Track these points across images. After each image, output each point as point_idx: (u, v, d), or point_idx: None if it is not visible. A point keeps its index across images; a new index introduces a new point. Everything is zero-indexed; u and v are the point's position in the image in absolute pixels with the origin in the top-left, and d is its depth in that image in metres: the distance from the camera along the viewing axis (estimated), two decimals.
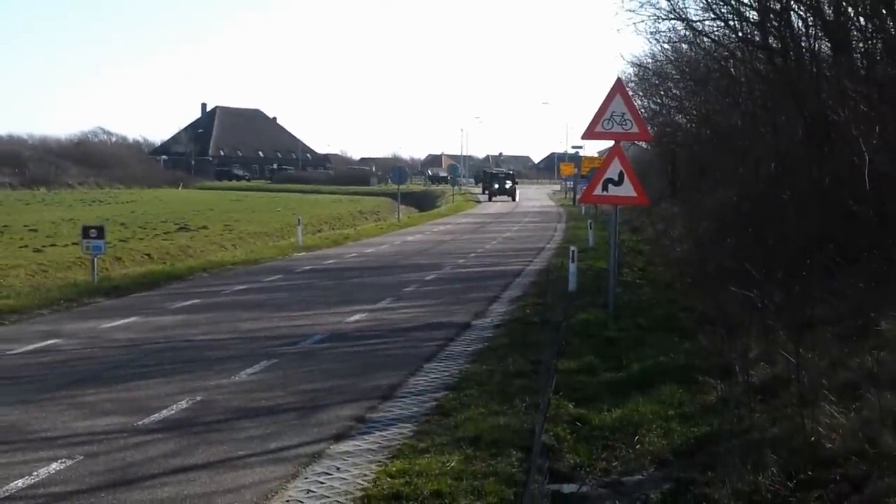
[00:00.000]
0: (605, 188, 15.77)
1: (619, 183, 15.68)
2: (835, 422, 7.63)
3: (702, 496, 6.98)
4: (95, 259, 22.04)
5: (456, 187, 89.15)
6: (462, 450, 8.39)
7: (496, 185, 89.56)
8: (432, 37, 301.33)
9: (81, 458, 8.32)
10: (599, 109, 15.65)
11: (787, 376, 9.20)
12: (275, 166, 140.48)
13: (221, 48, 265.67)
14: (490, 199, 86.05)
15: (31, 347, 13.89)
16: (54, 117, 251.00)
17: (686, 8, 28.33)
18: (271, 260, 28.72)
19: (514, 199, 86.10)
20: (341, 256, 30.16)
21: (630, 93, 19.62)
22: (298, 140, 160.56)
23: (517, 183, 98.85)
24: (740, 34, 23.91)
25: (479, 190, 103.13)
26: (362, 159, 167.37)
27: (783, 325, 10.27)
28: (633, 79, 42.79)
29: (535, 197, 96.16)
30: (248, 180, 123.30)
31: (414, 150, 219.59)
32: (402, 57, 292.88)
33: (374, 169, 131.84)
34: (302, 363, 12.81)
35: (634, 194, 15.95)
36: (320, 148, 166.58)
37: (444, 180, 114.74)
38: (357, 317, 16.83)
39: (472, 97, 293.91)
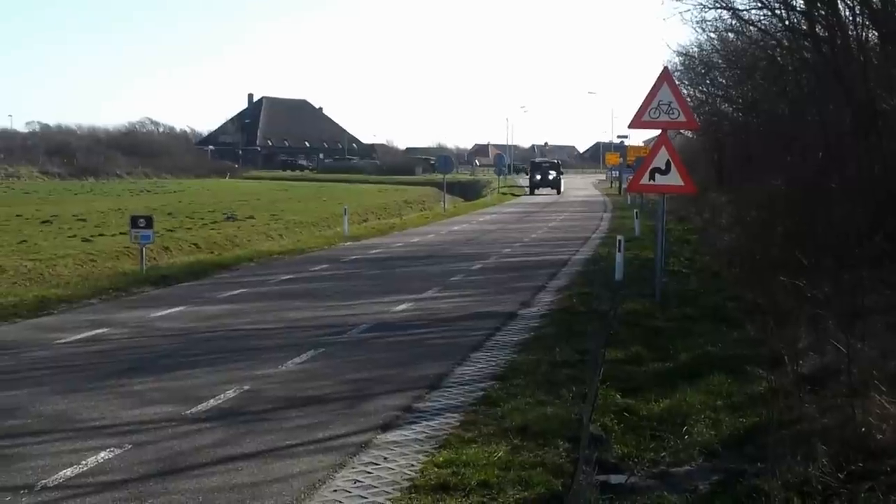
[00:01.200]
0: (652, 177, 15.65)
1: (666, 172, 15.56)
2: (885, 412, 7.52)
3: (751, 487, 6.89)
4: (144, 248, 22.21)
5: (502, 177, 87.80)
6: (509, 440, 8.35)
7: (538, 176, 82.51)
8: (479, 26, 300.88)
9: (130, 446, 8.37)
10: (646, 99, 15.52)
11: (836, 366, 9.10)
12: (321, 156, 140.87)
13: (268, 40, 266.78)
14: (531, 193, 79.33)
15: (79, 336, 14.00)
16: (103, 108, 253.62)
17: None
18: (318, 249, 28.80)
19: (558, 192, 79.19)
20: (387, 246, 30.18)
21: (676, 82, 19.41)
22: (344, 130, 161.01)
23: (562, 173, 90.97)
24: (787, 23, 23.69)
25: (524, 182, 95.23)
26: (408, 149, 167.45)
27: (833, 314, 10.15)
28: (678, 68, 42.58)
29: (580, 186, 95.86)
30: (312, 170, 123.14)
31: (460, 139, 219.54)
32: (449, 46, 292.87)
33: (423, 158, 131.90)
34: (349, 353, 12.82)
35: (682, 183, 15.81)
36: (366, 138, 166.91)
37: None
38: (403, 306, 16.83)
39: (518, 87, 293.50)
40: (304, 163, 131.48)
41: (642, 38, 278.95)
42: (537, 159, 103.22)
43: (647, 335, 12.98)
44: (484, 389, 10.46)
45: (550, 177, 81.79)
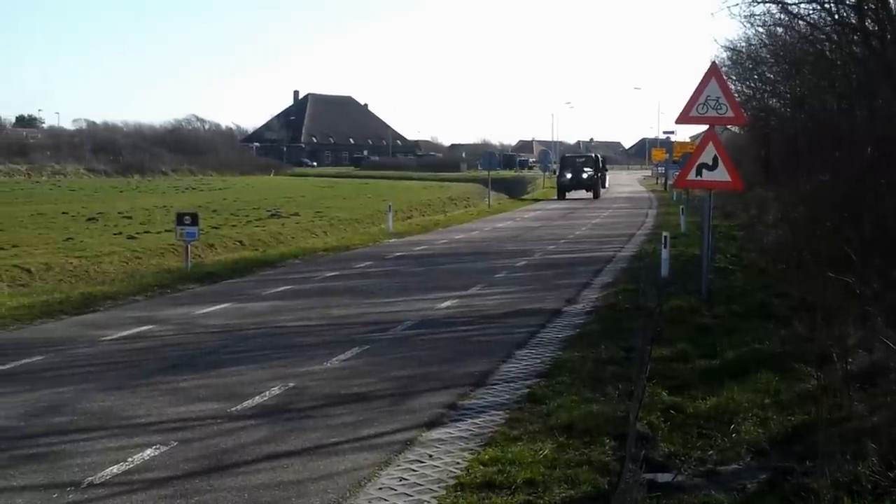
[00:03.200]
0: (699, 173, 15.52)
1: (713, 168, 15.42)
2: None
3: (800, 486, 6.81)
4: (189, 246, 22.36)
5: (547, 173, 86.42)
6: (555, 438, 8.32)
7: (568, 175, 64.62)
8: (524, 21, 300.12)
9: (176, 444, 8.42)
10: (694, 94, 15.39)
11: (886, 363, 9.00)
12: (365, 153, 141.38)
13: (315, 39, 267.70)
14: (560, 197, 63.36)
15: (125, 333, 14.12)
16: (150, 105, 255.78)
17: None
18: (362, 246, 28.90)
19: (595, 195, 63.58)
20: (431, 243, 30.21)
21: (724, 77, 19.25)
22: (389, 127, 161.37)
23: (606, 169, 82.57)
24: (836, 17, 23.46)
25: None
26: (452, 145, 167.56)
27: (882, 310, 10.04)
28: (726, 63, 42.25)
29: (625, 182, 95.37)
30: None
31: (504, 136, 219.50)
32: (493, 42, 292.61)
33: (463, 155, 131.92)
34: (393, 350, 12.83)
35: (729, 179, 15.66)
36: (410, 134, 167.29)
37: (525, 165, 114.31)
38: (448, 303, 16.82)
39: (563, 82, 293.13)
40: (376, 158, 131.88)
41: (689, 33, 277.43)
42: (569, 154, 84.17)
43: (694, 332, 12.88)
44: (529, 387, 10.43)
45: (584, 175, 64.21)
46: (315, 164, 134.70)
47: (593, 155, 71.88)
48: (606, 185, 78.17)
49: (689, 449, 7.95)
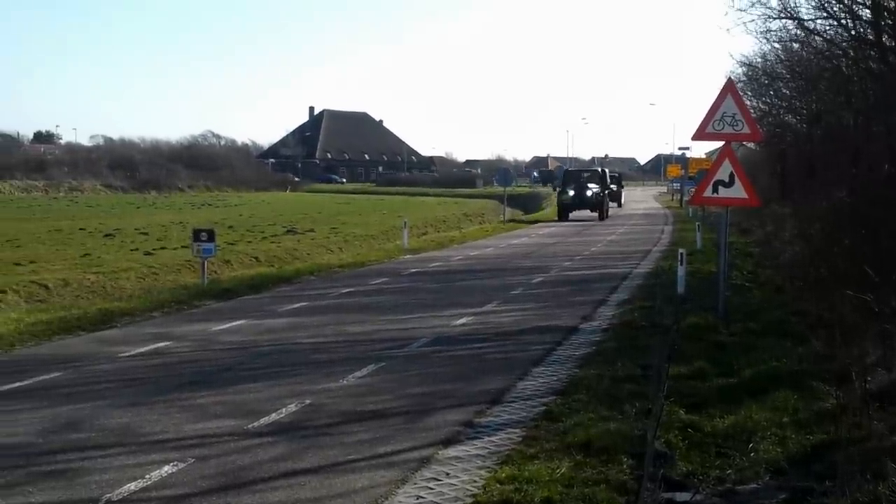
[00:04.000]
0: (715, 190, 15.49)
1: (729, 184, 15.39)
2: None
3: None
4: (205, 262, 22.41)
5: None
6: (572, 456, 8.29)
7: (570, 192, 57.01)
8: (537, 38, 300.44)
9: (193, 460, 8.42)
10: (710, 110, 15.38)
11: None
12: (380, 169, 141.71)
13: (330, 56, 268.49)
14: (561, 218, 56.29)
15: (143, 350, 14.15)
16: (166, 121, 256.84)
17: (797, 7, 27.90)
18: (377, 263, 28.90)
19: (600, 216, 56.70)
20: (447, 259, 30.21)
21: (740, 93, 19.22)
22: (404, 143, 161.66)
23: (623, 186, 78.52)
24: (853, 32, 23.43)
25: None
26: (467, 161, 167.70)
27: None
28: (742, 78, 42.21)
29: (641, 199, 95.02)
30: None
31: (519, 151, 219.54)
32: (508, 58, 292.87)
33: (478, 171, 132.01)
34: (409, 367, 12.83)
35: (745, 196, 15.63)
36: (425, 150, 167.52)
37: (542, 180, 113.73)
38: (464, 320, 16.81)
39: (578, 98, 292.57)
40: (436, 174, 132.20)
41: (704, 49, 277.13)
42: (572, 167, 78.64)
43: (711, 350, 12.85)
44: (546, 404, 10.40)
45: (589, 193, 56.60)
46: (344, 180, 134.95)
47: (599, 169, 63.89)
48: (622, 202, 75.84)
49: (708, 468, 7.92)
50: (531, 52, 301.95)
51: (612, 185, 71.41)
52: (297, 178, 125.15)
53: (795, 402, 9.74)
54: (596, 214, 56.72)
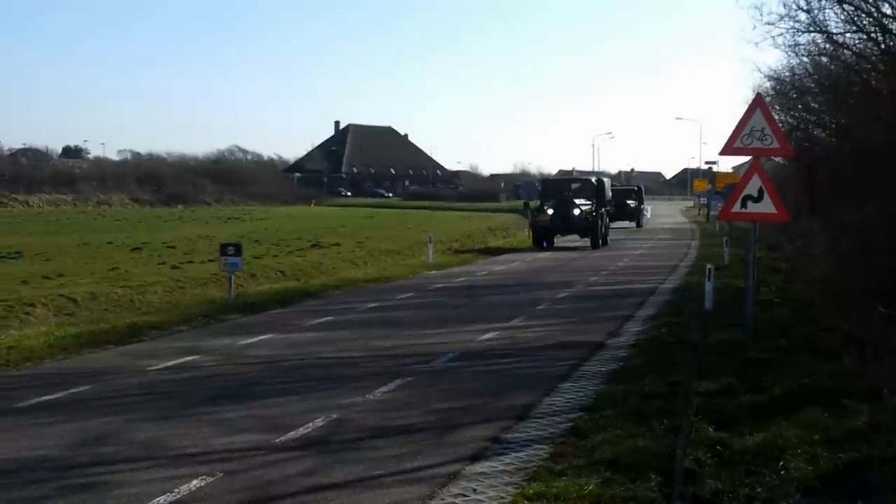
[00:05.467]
0: (744, 205, 15.42)
1: (758, 199, 15.32)
2: None
3: None
4: (232, 276, 22.48)
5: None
6: (600, 473, 8.24)
7: (549, 211, 42.02)
8: (563, 50, 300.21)
9: (221, 475, 8.45)
10: (738, 125, 15.33)
11: None
12: (407, 183, 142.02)
13: (356, 69, 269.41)
14: (537, 244, 42.22)
15: (171, 363, 14.22)
16: (193, 135, 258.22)
17: (826, 21, 27.67)
18: (403, 278, 28.92)
19: (594, 244, 42.22)
20: (472, 274, 30.23)
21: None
22: (429, 157, 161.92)
23: (642, 201, 69.42)
24: (883, 46, 23.33)
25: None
26: (492, 175, 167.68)
27: None
28: (770, 92, 42.00)
29: (667, 213, 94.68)
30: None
31: (544, 165, 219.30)
32: (533, 72, 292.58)
33: (503, 185, 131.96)
34: (436, 382, 12.83)
35: (774, 211, 15.55)
36: (450, 164, 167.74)
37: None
38: (490, 335, 16.81)
39: (603, 112, 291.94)
40: (462, 188, 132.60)
41: (731, 62, 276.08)
42: (555, 176, 64.37)
43: (739, 366, 12.76)
44: (573, 420, 10.38)
45: (576, 213, 41.57)
46: (390, 195, 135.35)
47: (593, 179, 47.23)
48: (644, 221, 68.36)
49: (737, 486, 7.86)
50: (557, 65, 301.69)
51: (629, 202, 64.19)
52: (347, 193, 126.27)
53: (826, 419, 9.66)
54: (587, 241, 42.95)
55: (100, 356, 15.12)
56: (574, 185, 47.66)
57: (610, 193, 48.76)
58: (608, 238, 45.41)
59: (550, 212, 41.93)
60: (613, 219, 49.54)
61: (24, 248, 33.95)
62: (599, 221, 42.92)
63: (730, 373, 12.23)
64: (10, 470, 8.66)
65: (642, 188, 75.64)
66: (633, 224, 64.68)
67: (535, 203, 47.08)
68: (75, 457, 9.13)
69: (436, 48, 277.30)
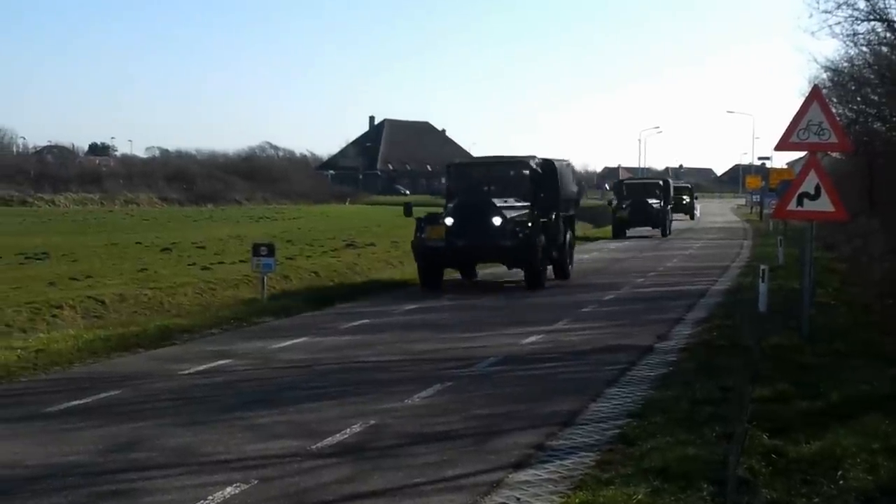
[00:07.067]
0: (800, 203, 15.35)
1: (815, 197, 15.25)
2: None
3: None
4: (265, 277, 22.60)
5: None
6: (649, 482, 8.24)
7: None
8: (607, 42, 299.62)
9: (256, 482, 8.53)
10: (794, 118, 15.26)
11: None
12: (443, 180, 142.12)
13: (391, 64, 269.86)
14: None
15: (202, 367, 14.36)
16: (223, 131, 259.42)
17: (887, 8, 27.40)
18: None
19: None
20: (513, 274, 30.18)
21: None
22: (468, 153, 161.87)
23: (696, 198, 79.36)
24: None
25: None
26: None
27: None
28: (826, 84, 41.69)
29: (717, 212, 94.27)
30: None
31: (589, 162, 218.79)
32: (576, 64, 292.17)
33: None
34: (476, 387, 12.87)
35: (832, 209, 15.46)
36: None
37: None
38: (532, 338, 16.83)
39: (651, 106, 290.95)
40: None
41: (784, 52, 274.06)
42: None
43: (794, 371, 12.70)
44: (620, 427, 10.38)
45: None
46: (407, 191, 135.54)
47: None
48: (696, 215, 76.24)
49: (793, 496, 7.85)
50: (601, 58, 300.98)
51: (683, 197, 73.92)
52: (406, 191, 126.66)
53: (887, 427, 9.60)
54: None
55: (129, 360, 15.30)
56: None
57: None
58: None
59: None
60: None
61: (50, 249, 34.24)
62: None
63: (785, 378, 12.19)
64: (39, 476, 8.78)
65: (692, 186, 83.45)
66: (687, 217, 73.84)
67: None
68: (106, 463, 9.25)
69: (474, 40, 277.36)
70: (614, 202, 56.84)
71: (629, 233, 53.57)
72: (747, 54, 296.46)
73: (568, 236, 28.63)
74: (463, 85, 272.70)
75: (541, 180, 27.23)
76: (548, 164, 27.91)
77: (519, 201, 26.07)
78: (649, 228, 54.40)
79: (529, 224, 24.95)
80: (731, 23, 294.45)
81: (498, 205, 25.28)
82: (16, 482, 8.63)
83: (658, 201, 54.13)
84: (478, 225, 25.02)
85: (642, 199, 53.76)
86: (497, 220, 24.72)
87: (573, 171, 32.04)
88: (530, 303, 22.81)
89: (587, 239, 50.68)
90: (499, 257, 26.69)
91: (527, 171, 27.12)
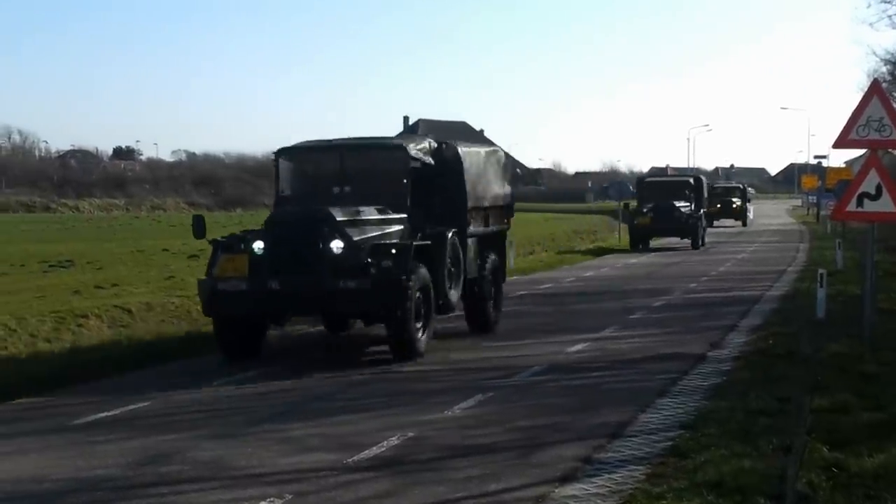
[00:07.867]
0: (860, 203, 15.22)
1: (876, 197, 15.11)
2: None
3: None
4: None
5: None
6: (702, 496, 8.20)
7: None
8: (653, 37, 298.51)
9: (291, 496, 8.56)
10: (853, 114, 15.16)
11: None
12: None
13: (426, 62, 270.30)
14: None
15: (232, 378, 14.48)
16: (250, 134, 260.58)
17: None
18: None
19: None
20: (558, 280, 30.22)
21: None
22: (507, 154, 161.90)
23: (749, 199, 76.45)
24: None
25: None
26: (577, 174, 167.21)
27: None
28: (887, 78, 41.46)
29: (772, 214, 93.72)
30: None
31: (635, 162, 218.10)
32: (620, 60, 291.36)
33: (589, 184, 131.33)
34: (519, 397, 12.88)
35: (894, 210, 15.34)
36: (531, 162, 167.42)
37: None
38: (578, 346, 16.82)
39: (700, 102, 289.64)
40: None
41: (841, 45, 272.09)
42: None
43: (856, 381, 12.62)
44: (671, 439, 10.35)
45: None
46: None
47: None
48: (749, 220, 73.10)
49: None
50: (647, 53, 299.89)
51: (733, 200, 70.87)
52: None
53: None
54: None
55: (157, 370, 15.42)
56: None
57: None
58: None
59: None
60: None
61: (75, 256, 34.55)
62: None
63: (845, 388, 12.10)
64: (68, 490, 8.88)
65: (745, 187, 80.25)
66: (738, 223, 69.17)
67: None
68: (136, 476, 9.33)
69: (511, 37, 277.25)
70: (633, 203, 48.57)
71: (653, 243, 45.81)
72: (801, 47, 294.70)
73: (490, 263, 19.25)
74: (501, 83, 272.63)
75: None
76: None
77: (385, 211, 16.87)
78: (677, 238, 45.79)
79: (393, 251, 15.74)
80: (784, 13, 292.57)
81: (340, 218, 15.80)
82: (43, 497, 8.73)
83: (688, 204, 44.64)
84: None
85: (668, 201, 44.17)
86: (336, 246, 15.53)
87: (502, 164, 21.82)
88: (576, 309, 22.79)
89: (593, 252, 44.43)
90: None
91: (405, 163, 17.27)
